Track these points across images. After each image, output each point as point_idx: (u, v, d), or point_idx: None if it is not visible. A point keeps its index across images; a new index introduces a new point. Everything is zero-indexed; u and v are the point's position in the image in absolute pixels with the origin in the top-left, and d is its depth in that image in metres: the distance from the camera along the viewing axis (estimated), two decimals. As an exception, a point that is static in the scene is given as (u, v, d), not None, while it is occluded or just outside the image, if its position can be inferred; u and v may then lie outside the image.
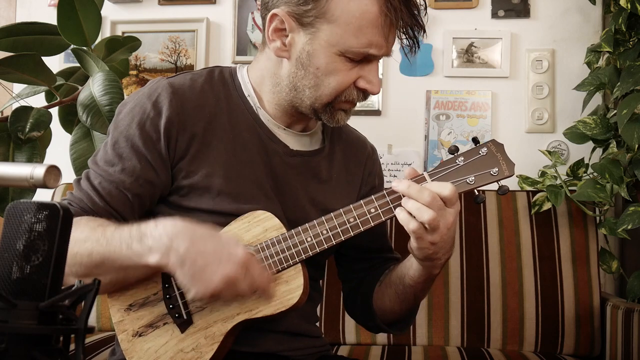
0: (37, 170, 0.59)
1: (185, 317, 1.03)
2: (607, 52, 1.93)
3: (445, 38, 2.22)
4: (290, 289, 1.02)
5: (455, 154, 1.03)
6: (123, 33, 2.30)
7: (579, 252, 1.83)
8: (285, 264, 1.03)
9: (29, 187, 0.60)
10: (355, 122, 1.31)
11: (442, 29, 2.22)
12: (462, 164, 1.03)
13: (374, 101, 2.24)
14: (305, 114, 1.11)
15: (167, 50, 2.34)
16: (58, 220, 0.57)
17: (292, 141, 1.15)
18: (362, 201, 1.04)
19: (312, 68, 1.04)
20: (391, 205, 1.02)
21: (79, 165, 1.75)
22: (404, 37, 1.05)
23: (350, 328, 1.83)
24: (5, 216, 0.57)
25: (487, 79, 2.21)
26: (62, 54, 1.99)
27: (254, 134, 1.11)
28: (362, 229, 1.03)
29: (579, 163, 1.92)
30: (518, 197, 1.90)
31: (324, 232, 1.03)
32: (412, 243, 1.02)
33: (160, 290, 1.04)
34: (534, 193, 1.89)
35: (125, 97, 1.33)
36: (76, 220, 0.89)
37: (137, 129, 1.05)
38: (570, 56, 2.18)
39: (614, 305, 1.71)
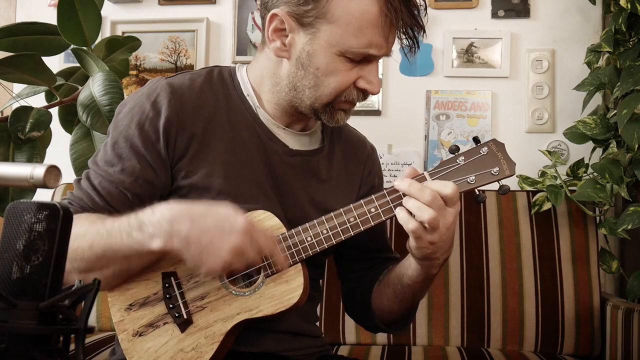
0: (37, 170, 0.59)
1: (185, 316, 1.03)
2: (607, 52, 1.93)
3: (445, 38, 2.22)
4: (290, 288, 1.02)
5: (456, 154, 1.03)
6: (123, 33, 2.31)
7: (579, 252, 1.83)
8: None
9: (29, 187, 0.60)
10: (355, 122, 1.31)
11: (442, 29, 2.22)
12: (462, 163, 1.03)
13: (374, 101, 2.24)
14: (305, 113, 1.11)
15: (167, 50, 2.34)
16: (58, 220, 0.57)
17: (292, 141, 1.15)
18: (362, 201, 1.04)
19: (312, 68, 1.04)
20: (391, 205, 1.02)
21: (79, 165, 1.75)
22: (404, 37, 1.05)
23: (350, 328, 1.83)
24: (5, 216, 0.57)
25: (487, 79, 2.21)
26: (62, 54, 1.99)
27: (253, 134, 1.11)
28: (362, 228, 1.03)
29: (579, 163, 1.92)
30: (518, 197, 1.90)
31: (324, 231, 1.03)
32: (411, 242, 1.02)
33: (160, 290, 1.04)
34: (534, 193, 1.89)
35: (125, 97, 1.33)
36: (75, 217, 0.90)
37: (136, 129, 1.05)
38: (570, 56, 2.18)
39: (614, 305, 1.71)
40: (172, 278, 1.04)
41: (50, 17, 1.92)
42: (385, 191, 1.03)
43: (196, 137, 1.07)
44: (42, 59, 1.69)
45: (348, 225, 1.03)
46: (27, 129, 1.67)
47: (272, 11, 1.04)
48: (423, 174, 1.03)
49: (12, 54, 1.67)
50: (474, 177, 1.02)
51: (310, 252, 1.03)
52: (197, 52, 2.32)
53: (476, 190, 1.03)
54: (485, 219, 1.87)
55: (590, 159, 1.97)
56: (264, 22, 1.08)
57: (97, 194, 1.04)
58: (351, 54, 1.03)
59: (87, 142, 1.78)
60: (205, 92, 1.10)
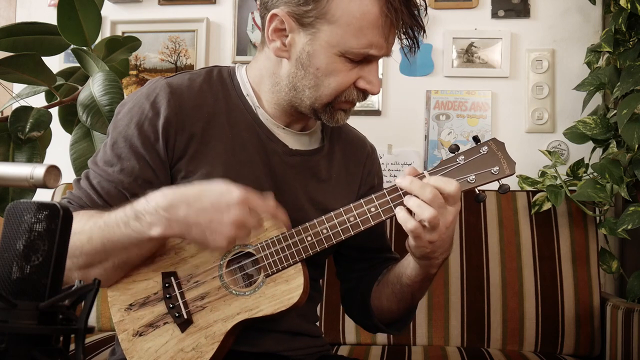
0: (37, 170, 0.59)
1: (185, 316, 1.03)
2: (607, 52, 1.93)
3: (445, 38, 2.22)
4: (290, 288, 1.02)
5: (456, 153, 1.03)
6: (123, 33, 2.31)
7: (579, 252, 1.83)
8: (285, 264, 1.03)
9: (29, 187, 0.60)
10: (355, 122, 1.31)
11: (442, 29, 2.22)
12: (462, 162, 1.03)
13: (374, 101, 2.24)
14: (305, 113, 1.11)
15: (167, 50, 2.34)
16: (58, 220, 0.57)
17: (291, 140, 1.15)
18: (362, 200, 1.04)
19: (312, 68, 1.04)
20: (391, 204, 1.02)
21: (79, 165, 1.75)
22: (404, 37, 1.05)
23: (350, 328, 1.83)
24: (5, 216, 0.57)
25: (487, 79, 2.21)
26: (62, 54, 1.99)
27: (253, 134, 1.11)
28: (362, 228, 1.03)
29: (579, 163, 1.92)
30: (518, 197, 1.90)
31: (324, 231, 1.03)
32: (410, 241, 1.02)
33: (160, 289, 1.04)
34: (534, 193, 1.89)
35: (125, 97, 1.33)
36: (74, 214, 0.90)
37: (136, 129, 1.05)
38: (570, 56, 2.18)
39: (614, 305, 1.71)
40: (172, 278, 1.04)
41: (50, 17, 1.92)
42: (385, 191, 1.03)
43: (195, 137, 1.07)
44: (42, 59, 1.69)
45: (348, 224, 1.03)
46: (27, 129, 1.67)
47: (272, 11, 1.04)
48: (423, 173, 1.03)
49: (12, 54, 1.67)
50: (474, 177, 1.02)
51: (310, 251, 1.03)
52: (197, 52, 2.32)
53: (476, 190, 1.03)
54: (485, 219, 1.87)
55: (590, 159, 1.97)
56: (263, 22, 1.08)
57: (96, 193, 1.04)
58: (351, 55, 1.03)
59: (87, 142, 1.78)
60: (205, 92, 1.10)
